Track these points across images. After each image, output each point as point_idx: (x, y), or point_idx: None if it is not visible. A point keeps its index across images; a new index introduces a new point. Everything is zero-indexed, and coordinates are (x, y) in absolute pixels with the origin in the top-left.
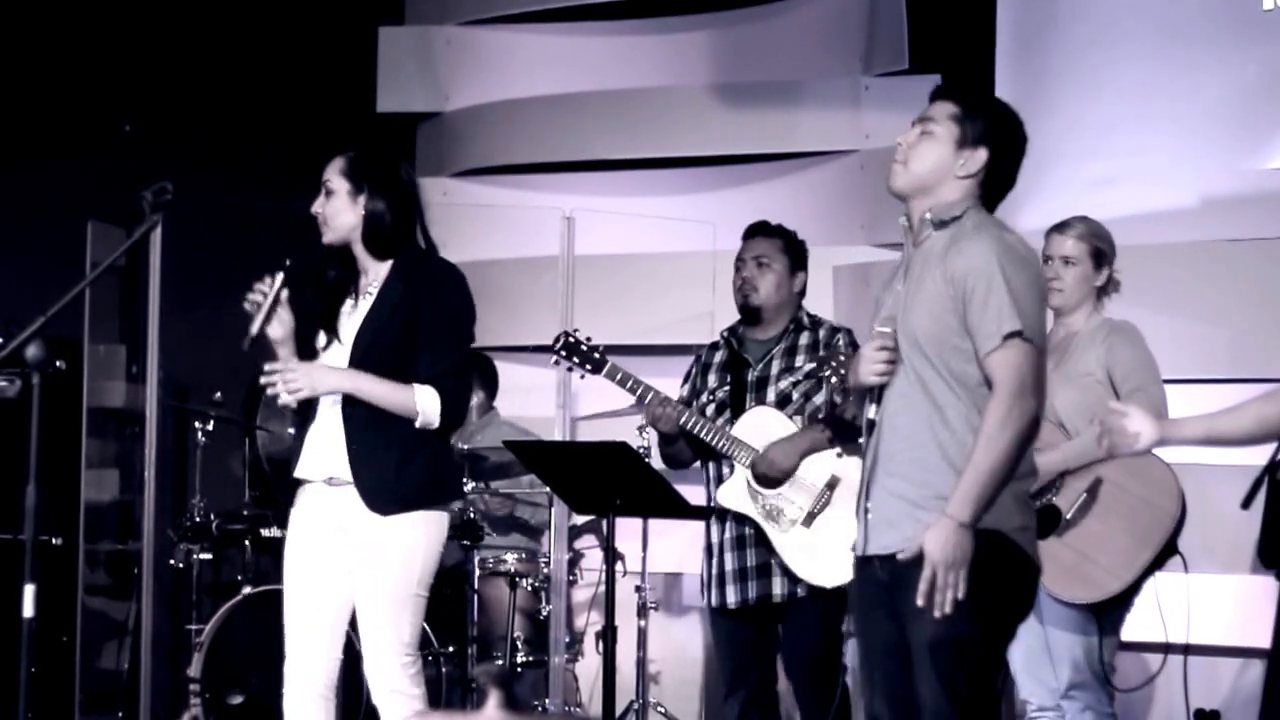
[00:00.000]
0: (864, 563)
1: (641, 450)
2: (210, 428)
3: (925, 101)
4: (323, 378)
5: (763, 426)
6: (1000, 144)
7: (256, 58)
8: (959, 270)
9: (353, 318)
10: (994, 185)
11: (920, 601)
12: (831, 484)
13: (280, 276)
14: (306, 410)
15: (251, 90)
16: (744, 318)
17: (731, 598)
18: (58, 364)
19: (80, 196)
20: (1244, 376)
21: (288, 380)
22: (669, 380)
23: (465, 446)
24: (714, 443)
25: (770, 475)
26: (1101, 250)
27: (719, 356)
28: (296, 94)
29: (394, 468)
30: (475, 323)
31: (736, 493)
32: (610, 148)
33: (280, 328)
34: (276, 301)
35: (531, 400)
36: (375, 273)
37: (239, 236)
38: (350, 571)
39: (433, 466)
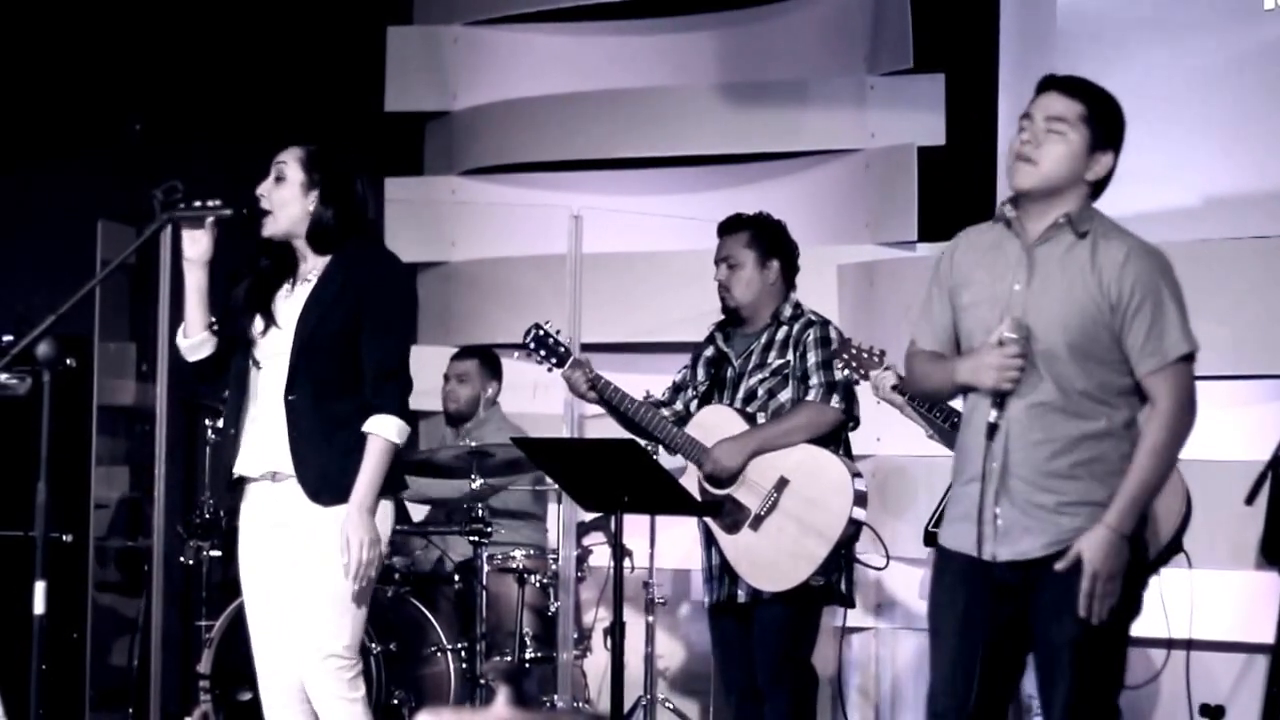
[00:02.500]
0: (975, 564)
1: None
2: (220, 425)
3: (929, 100)
4: (365, 523)
5: (716, 425)
6: (1121, 145)
7: (265, 57)
8: (1120, 283)
9: (290, 303)
10: (1104, 185)
11: (1081, 612)
12: (779, 485)
13: (231, 209)
14: (240, 405)
15: (260, 89)
16: (727, 318)
17: (709, 597)
18: (68, 362)
19: (90, 195)
20: (1246, 373)
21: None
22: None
23: (473, 443)
24: (664, 439)
25: (717, 474)
26: None
27: (709, 351)
28: (305, 93)
29: (337, 459)
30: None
31: (693, 491)
32: (617, 146)
33: (196, 247)
34: (214, 216)
35: (539, 397)
36: (314, 261)
37: (248, 235)
38: (296, 566)
39: None
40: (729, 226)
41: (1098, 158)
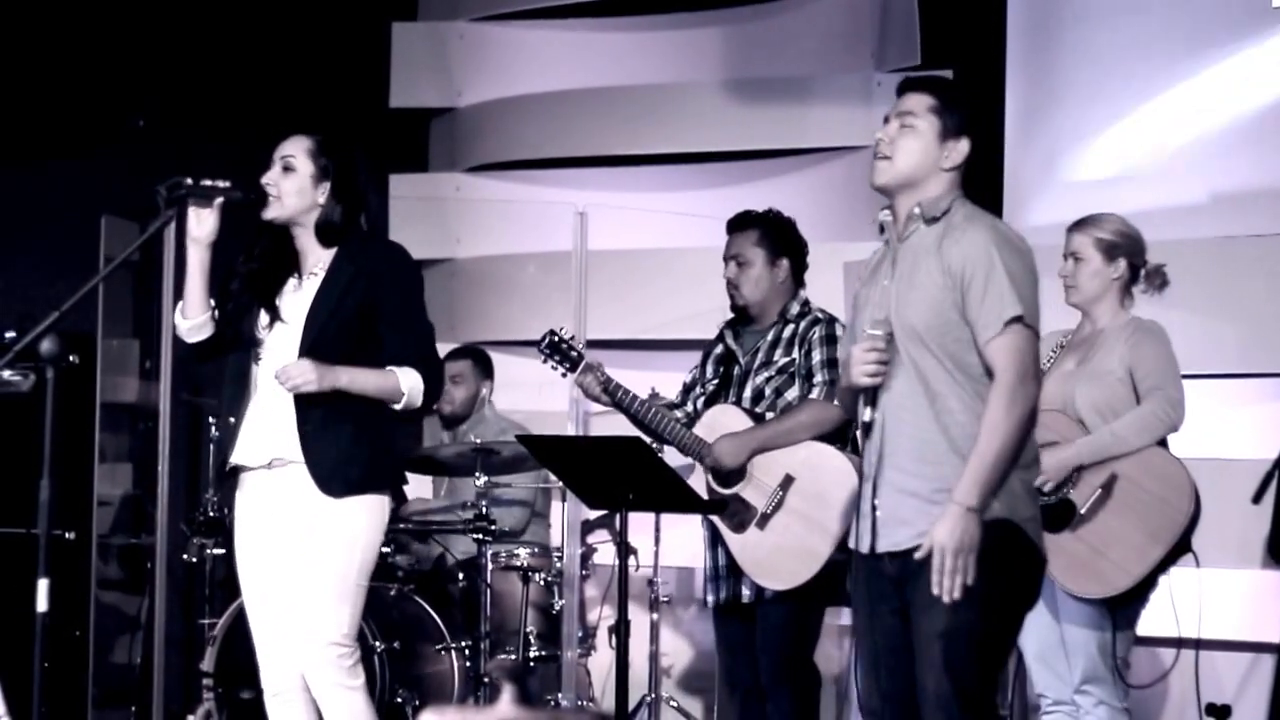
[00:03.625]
0: (869, 560)
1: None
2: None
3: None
4: (325, 374)
5: (722, 424)
6: (976, 132)
7: (270, 53)
8: (956, 261)
9: (297, 297)
10: (970, 172)
11: (934, 590)
12: (785, 483)
13: (241, 193)
14: (240, 396)
15: (265, 86)
16: (737, 316)
17: (711, 597)
18: (71, 359)
19: (94, 191)
20: (1254, 371)
21: (298, 374)
22: (681, 375)
23: (478, 440)
24: (672, 439)
25: (719, 471)
26: (1113, 244)
27: (719, 349)
28: (310, 89)
29: (345, 448)
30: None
31: (700, 490)
32: (623, 143)
33: (202, 226)
34: (222, 198)
35: (544, 395)
36: (319, 254)
37: (252, 231)
38: (296, 555)
39: (381, 449)
40: (738, 224)
41: (952, 145)
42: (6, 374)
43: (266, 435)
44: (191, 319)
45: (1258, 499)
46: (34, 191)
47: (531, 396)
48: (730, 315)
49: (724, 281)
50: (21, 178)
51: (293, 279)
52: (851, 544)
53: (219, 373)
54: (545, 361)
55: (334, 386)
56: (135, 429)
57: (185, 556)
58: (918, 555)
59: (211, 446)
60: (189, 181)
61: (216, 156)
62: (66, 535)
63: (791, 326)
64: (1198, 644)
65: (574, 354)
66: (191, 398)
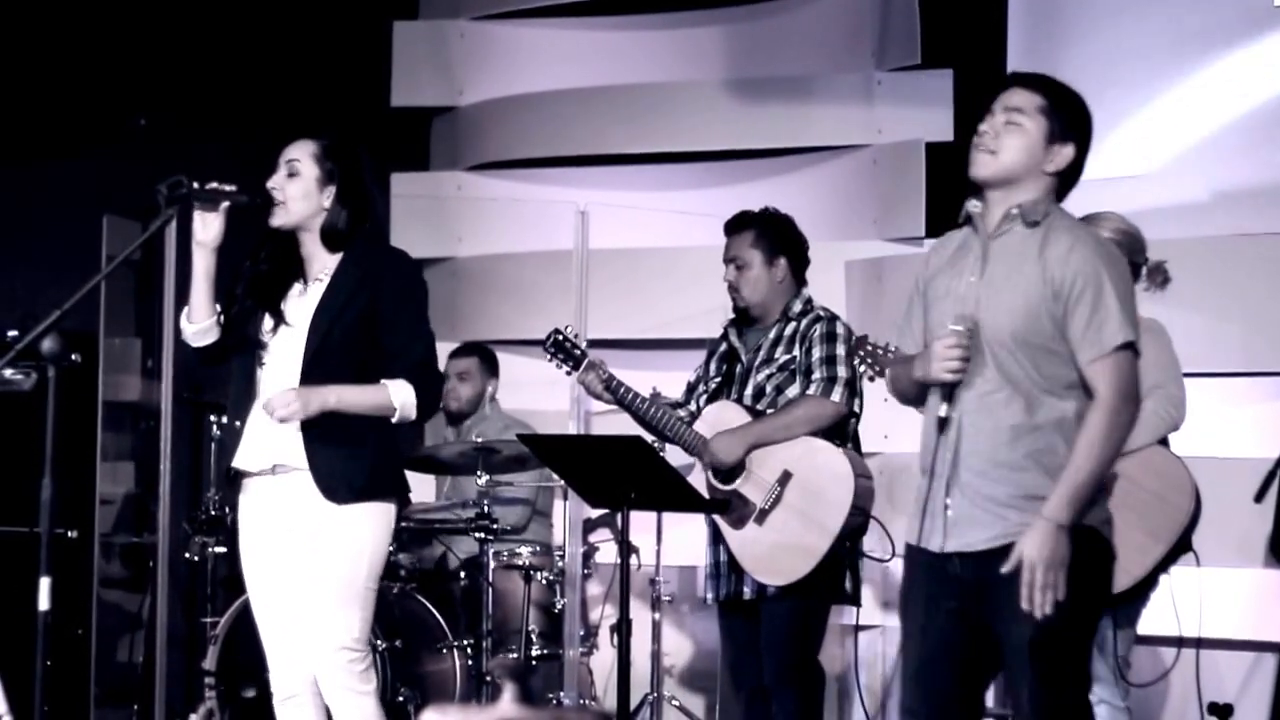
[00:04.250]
0: (931, 558)
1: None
2: (225, 421)
3: (937, 96)
4: (311, 398)
5: (722, 420)
6: (1084, 139)
7: (271, 52)
8: (1062, 274)
9: (302, 302)
10: (1069, 181)
11: (1024, 605)
12: (783, 479)
13: (246, 197)
14: (245, 401)
15: (266, 85)
16: (739, 315)
17: (710, 594)
18: (73, 358)
19: (95, 191)
20: (1256, 370)
21: (283, 406)
22: (682, 374)
23: (480, 439)
24: (673, 436)
25: (715, 467)
26: (1115, 243)
27: (722, 347)
28: (311, 88)
29: (349, 456)
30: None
31: (700, 488)
32: (624, 142)
33: (208, 230)
34: (228, 202)
35: (545, 394)
36: (324, 259)
37: (254, 230)
38: (303, 561)
39: (385, 457)
40: (734, 225)
41: (1057, 149)
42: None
43: (269, 441)
44: (197, 323)
45: (1260, 498)
46: (35, 190)
47: (533, 395)
48: (733, 315)
49: (725, 281)
50: (23, 177)
51: (298, 284)
52: (911, 540)
53: (221, 372)
54: (550, 360)
55: (323, 408)
56: (137, 428)
57: (187, 555)
58: (1004, 568)
59: (213, 445)
60: (194, 184)
61: (218, 155)
62: (68, 534)
63: (793, 324)
64: (1198, 643)
65: (577, 352)
66: (193, 396)
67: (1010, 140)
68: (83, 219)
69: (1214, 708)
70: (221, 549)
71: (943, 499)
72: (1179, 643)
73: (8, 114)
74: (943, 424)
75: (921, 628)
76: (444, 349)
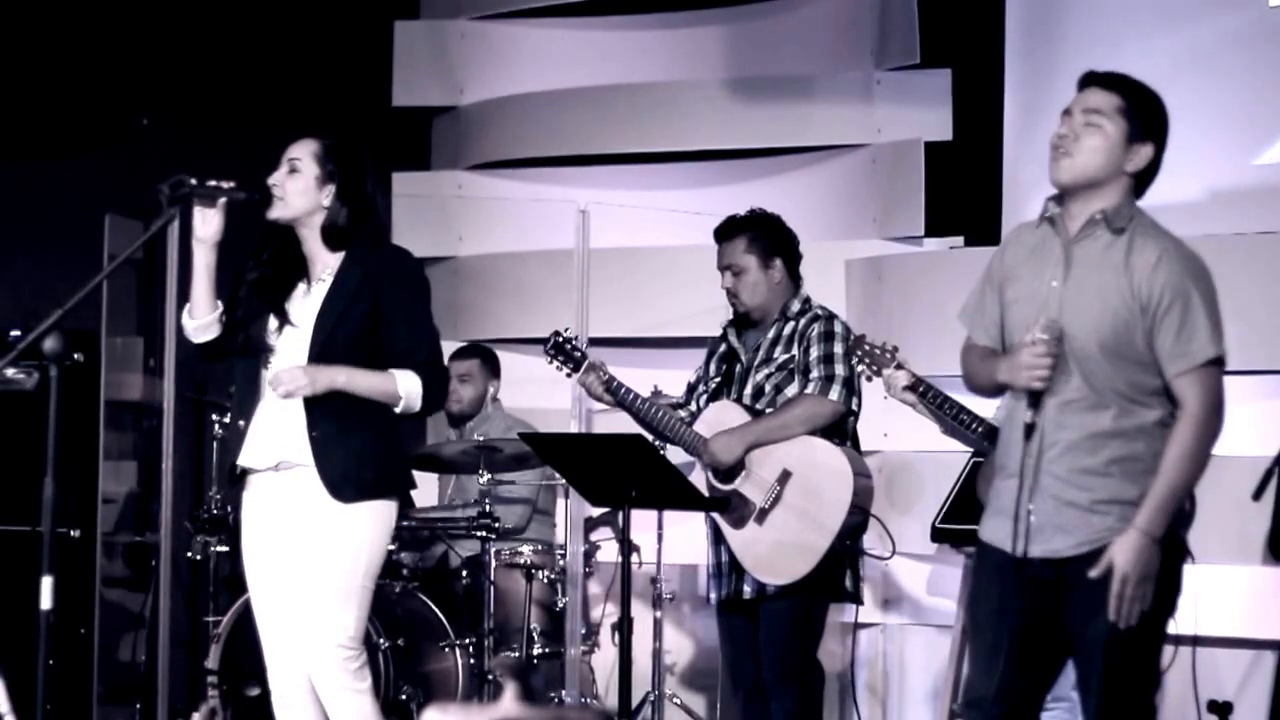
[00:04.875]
0: (1009, 560)
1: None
2: (227, 420)
3: (936, 95)
4: (319, 376)
5: (721, 420)
6: (1162, 138)
7: (273, 52)
8: (1149, 286)
9: (307, 302)
10: (1148, 180)
11: (1112, 616)
12: (782, 478)
13: (245, 193)
14: (250, 400)
15: (268, 84)
16: (738, 320)
17: (713, 593)
18: (75, 357)
19: (98, 190)
20: (1251, 369)
21: (290, 381)
22: (683, 372)
23: (481, 438)
24: (673, 436)
25: (716, 466)
26: None
27: (722, 347)
28: (313, 88)
29: (355, 454)
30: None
31: (701, 487)
32: (624, 141)
33: (207, 226)
34: (226, 198)
35: (546, 393)
36: (325, 260)
37: (255, 229)
38: (303, 558)
39: (390, 455)
40: (725, 231)
41: (1136, 149)
42: (11, 372)
43: (274, 438)
44: (198, 319)
45: (1258, 495)
46: (38, 189)
47: (534, 394)
48: (732, 316)
49: (723, 288)
50: (25, 175)
51: (302, 284)
52: (990, 540)
53: (224, 370)
54: (550, 362)
55: (330, 387)
56: (139, 426)
57: (190, 554)
58: (1093, 573)
59: (215, 444)
60: (192, 180)
61: (220, 155)
62: (71, 533)
63: (792, 324)
64: (1194, 640)
65: (578, 354)
66: (196, 395)
67: (1088, 142)
68: (85, 218)
69: (1214, 706)
70: (224, 548)
71: (1025, 504)
72: (1175, 641)
73: (10, 113)
74: (1029, 430)
75: (991, 626)
76: (445, 348)
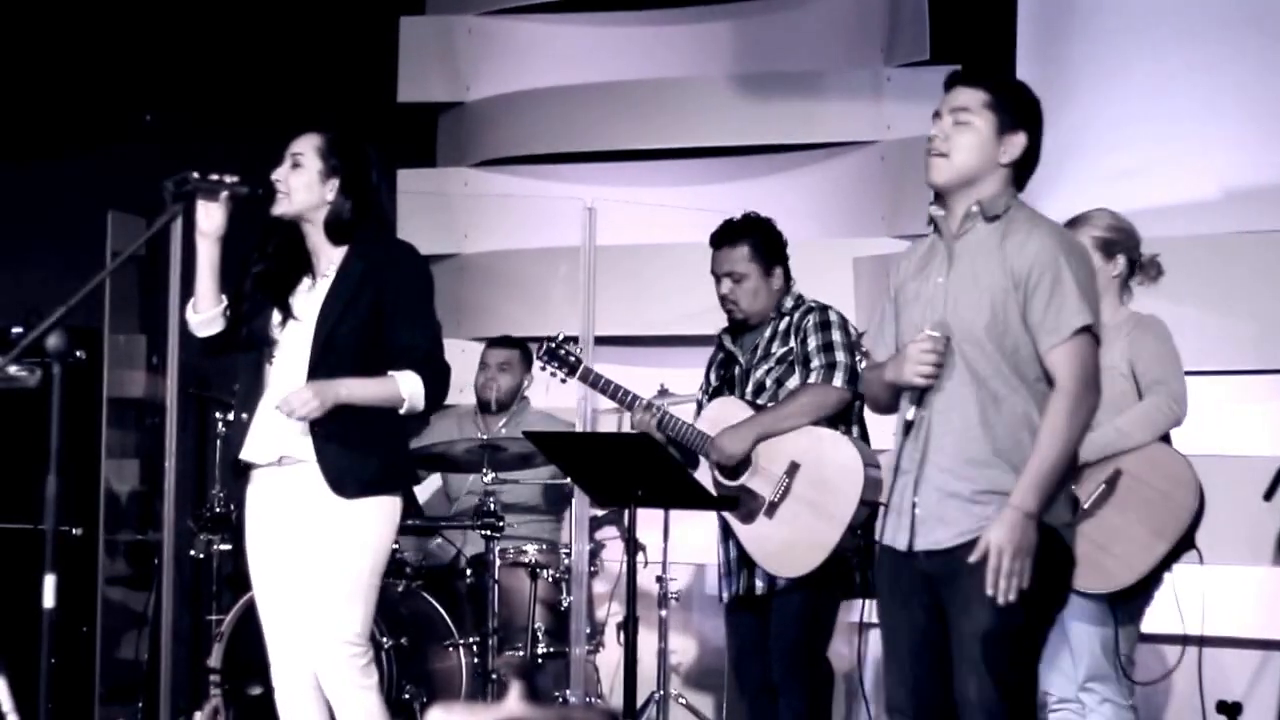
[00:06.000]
0: (901, 556)
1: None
2: (231, 418)
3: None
4: (325, 393)
5: (722, 415)
6: (1034, 126)
7: (278, 48)
8: (1020, 264)
9: (310, 296)
10: (1026, 168)
11: (989, 590)
12: (791, 470)
13: (248, 187)
14: (254, 394)
15: (272, 80)
16: (733, 326)
17: (725, 591)
18: (78, 354)
19: (101, 186)
20: (1267, 368)
21: (300, 404)
22: (690, 371)
23: (485, 437)
24: (680, 438)
25: (723, 462)
26: (1111, 241)
27: (720, 355)
28: (318, 84)
29: (358, 450)
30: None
31: (708, 486)
32: (631, 138)
33: (210, 220)
34: (229, 192)
35: (553, 392)
36: (329, 254)
37: (259, 223)
38: (307, 554)
39: (394, 451)
40: (725, 238)
41: (1009, 139)
42: (13, 369)
43: (277, 433)
44: (202, 313)
45: (1269, 496)
46: (41, 186)
47: (538, 392)
48: (728, 324)
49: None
50: (29, 173)
51: (306, 278)
52: (885, 539)
53: (226, 368)
54: (544, 368)
55: (335, 402)
56: (142, 424)
57: (192, 552)
58: (971, 558)
59: (219, 442)
60: (195, 176)
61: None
62: (73, 531)
63: (786, 319)
64: (1201, 640)
65: (573, 359)
66: (199, 392)
67: (960, 140)
68: (88, 215)
69: (1223, 706)
70: (226, 546)
71: (910, 497)
72: (1183, 641)
73: (13, 110)
74: (909, 426)
75: (895, 625)
76: (452, 345)
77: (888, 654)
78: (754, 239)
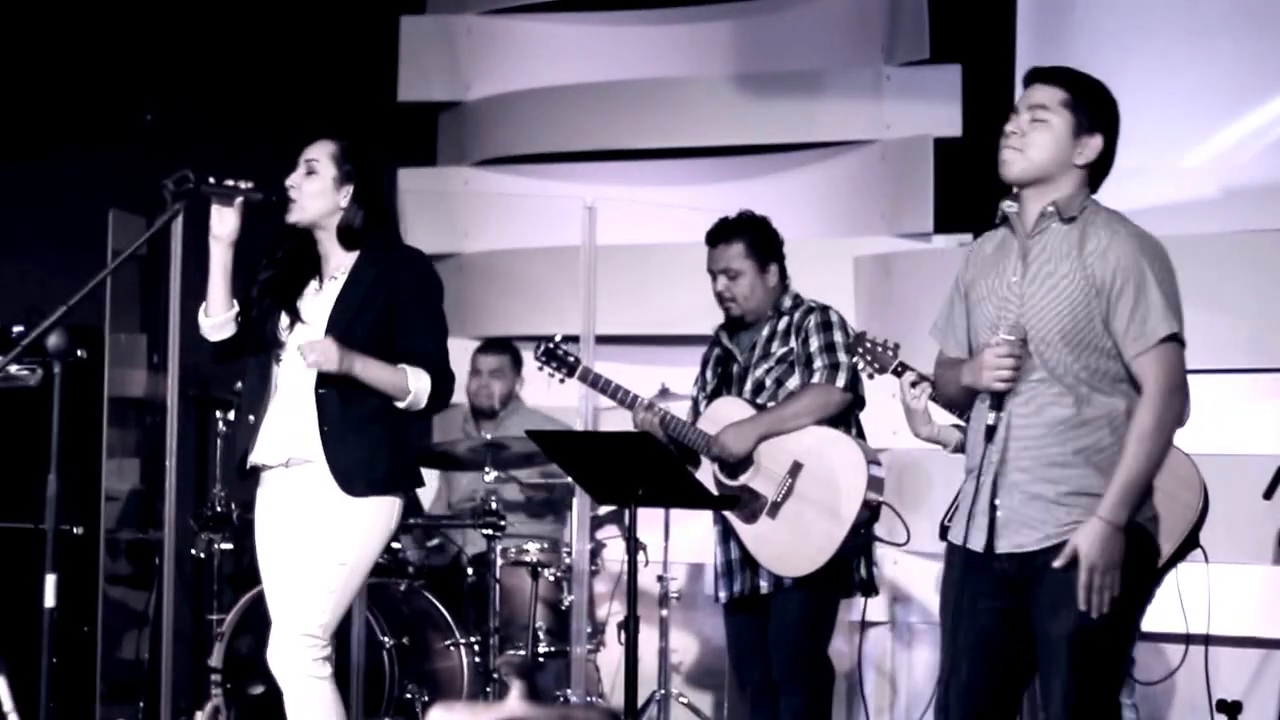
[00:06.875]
0: (977, 557)
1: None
2: (231, 417)
3: (945, 91)
4: (343, 358)
5: (724, 414)
6: (1111, 128)
7: (278, 47)
8: (1103, 269)
9: (319, 300)
10: (1101, 171)
11: (1081, 605)
12: (794, 470)
13: (262, 194)
14: (261, 396)
15: (273, 80)
16: (730, 323)
17: (723, 591)
18: (79, 353)
19: (102, 185)
20: (1266, 366)
21: (322, 353)
22: (691, 370)
23: (489, 436)
24: (681, 438)
25: (725, 460)
26: None
27: (716, 351)
28: (318, 84)
29: (366, 449)
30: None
31: (709, 485)
32: (632, 137)
33: (224, 225)
34: (243, 197)
35: (554, 391)
36: (340, 257)
37: (260, 225)
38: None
39: (400, 451)
40: (721, 235)
41: (1085, 141)
42: (14, 369)
43: (285, 434)
44: (214, 317)
45: (1270, 494)
46: (42, 186)
47: (539, 391)
48: (724, 321)
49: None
50: (29, 172)
51: (314, 282)
52: (957, 540)
53: (228, 367)
54: (542, 369)
55: (349, 371)
56: (143, 423)
57: (193, 552)
58: (1057, 563)
59: (219, 441)
60: (210, 179)
61: (225, 151)
62: (74, 530)
63: (786, 318)
64: (1206, 640)
65: (571, 360)
66: (199, 392)
67: (1036, 137)
68: (89, 214)
69: (1223, 705)
70: (228, 545)
71: (989, 499)
72: (1187, 640)
73: (14, 108)
74: (990, 432)
75: (962, 627)
76: (458, 344)
77: (946, 653)
78: (749, 236)
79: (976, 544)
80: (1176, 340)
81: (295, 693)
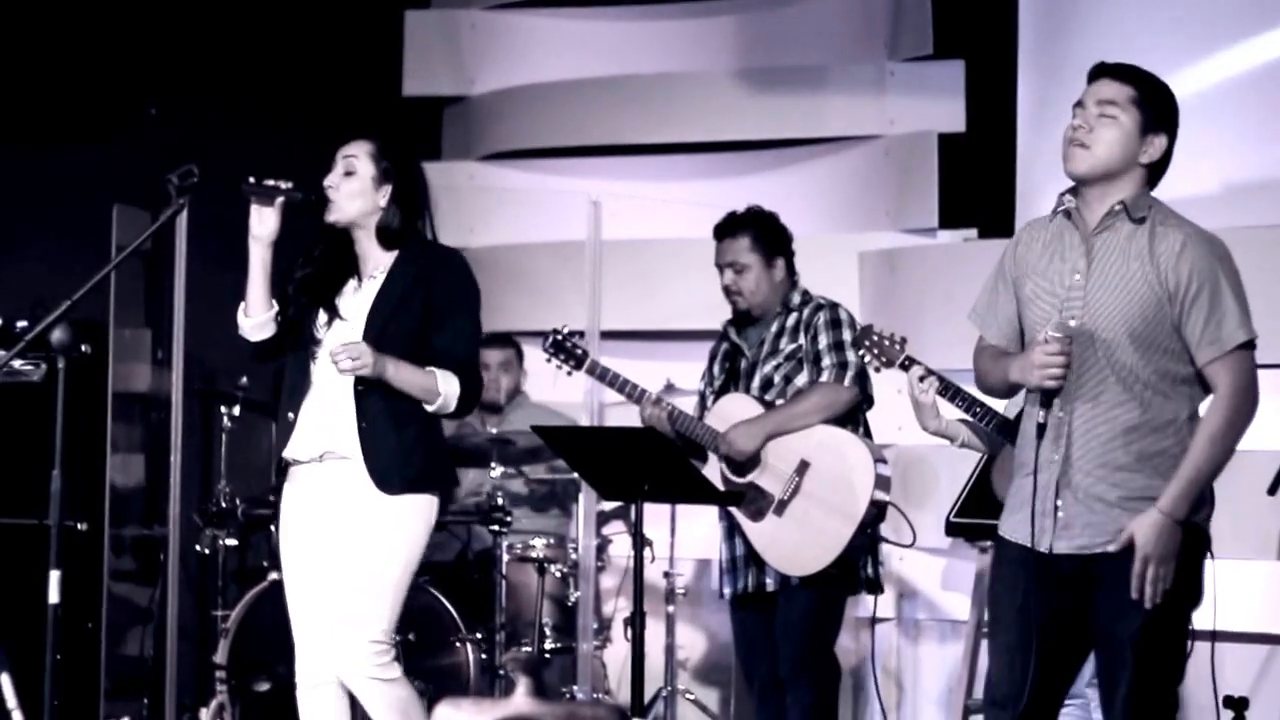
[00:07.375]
0: (1035, 556)
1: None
2: (236, 412)
3: (949, 86)
4: (375, 362)
5: (732, 412)
6: (1173, 129)
7: (282, 41)
8: (1177, 272)
9: (357, 298)
10: (1160, 171)
11: (1134, 595)
12: (801, 469)
13: (302, 194)
14: (300, 393)
15: (277, 74)
16: (737, 318)
17: (728, 588)
18: (83, 348)
19: (106, 180)
20: (1270, 362)
21: (357, 357)
22: (697, 365)
23: (494, 430)
24: (689, 433)
25: (733, 458)
26: None
27: (724, 346)
28: (322, 78)
29: (402, 447)
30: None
31: (715, 482)
32: (637, 132)
33: (264, 225)
34: (284, 197)
35: (559, 385)
36: (379, 257)
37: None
38: (343, 549)
39: (436, 449)
40: (727, 229)
41: (1151, 140)
42: (18, 364)
43: (321, 430)
44: (254, 317)
45: (1273, 490)
46: (46, 180)
47: (545, 386)
48: (732, 316)
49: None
50: (33, 166)
51: (352, 280)
52: (1013, 537)
53: (229, 366)
54: (549, 360)
55: (380, 376)
56: (147, 419)
57: (198, 548)
58: (1112, 547)
59: (224, 437)
60: (251, 181)
61: (229, 145)
62: (78, 526)
63: (795, 315)
64: (1212, 635)
65: (579, 352)
66: (204, 387)
67: (1104, 133)
68: (93, 209)
69: (1229, 701)
70: (232, 541)
71: (1053, 500)
72: (1192, 636)
73: (18, 102)
74: (1041, 429)
75: (1012, 623)
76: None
77: (996, 648)
78: (755, 230)
79: (1040, 544)
80: (1250, 346)
81: (372, 700)
